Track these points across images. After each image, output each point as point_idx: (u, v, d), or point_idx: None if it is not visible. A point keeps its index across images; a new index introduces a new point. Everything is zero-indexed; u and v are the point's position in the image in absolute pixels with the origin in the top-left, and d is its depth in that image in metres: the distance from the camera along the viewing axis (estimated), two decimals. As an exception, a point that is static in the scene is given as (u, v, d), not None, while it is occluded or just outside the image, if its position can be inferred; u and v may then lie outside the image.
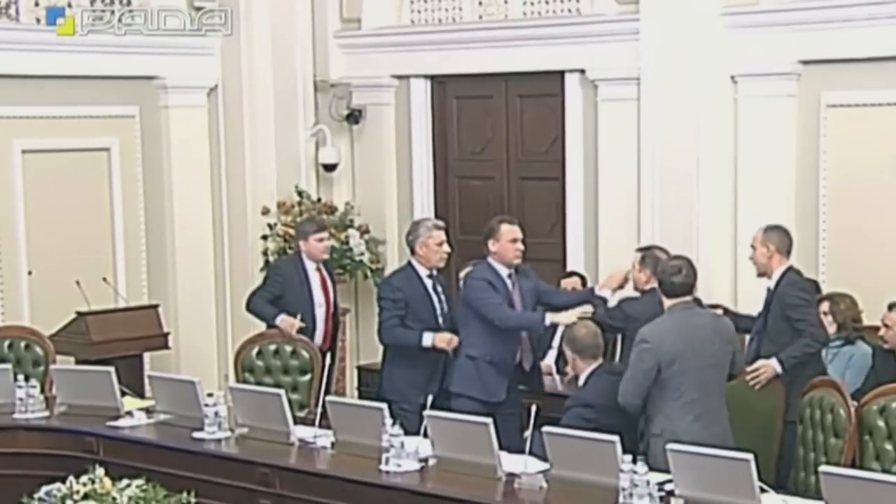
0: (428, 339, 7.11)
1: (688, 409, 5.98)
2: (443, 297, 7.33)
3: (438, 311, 7.27)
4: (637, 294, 7.18)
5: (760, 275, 7.03)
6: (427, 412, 5.99)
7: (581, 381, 6.38)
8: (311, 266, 8.17)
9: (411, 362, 7.18)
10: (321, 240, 8.20)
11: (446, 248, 7.36)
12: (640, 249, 7.40)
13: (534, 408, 5.91)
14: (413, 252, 7.33)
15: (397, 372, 7.25)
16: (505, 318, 6.96)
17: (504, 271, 7.13)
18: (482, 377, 7.00)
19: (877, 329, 7.14)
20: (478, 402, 6.88)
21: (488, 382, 6.99)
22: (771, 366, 6.60)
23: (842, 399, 6.06)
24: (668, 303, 6.22)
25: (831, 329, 7.14)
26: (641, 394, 6.03)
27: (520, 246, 7.18)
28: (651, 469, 5.32)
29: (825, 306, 7.25)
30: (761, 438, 6.37)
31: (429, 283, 7.29)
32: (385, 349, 7.43)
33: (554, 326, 7.14)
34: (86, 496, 5.58)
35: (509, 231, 7.16)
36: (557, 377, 7.81)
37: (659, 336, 6.05)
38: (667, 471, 5.36)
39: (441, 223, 7.51)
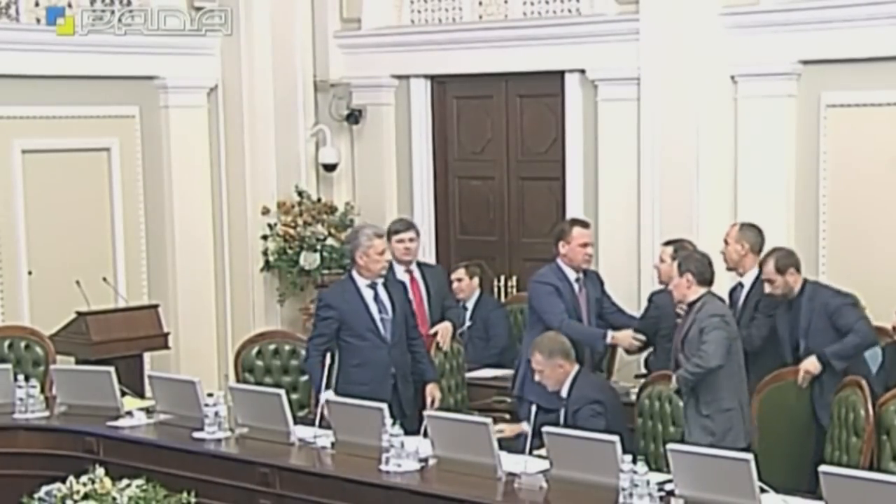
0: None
1: (744, 383, 6.32)
2: (388, 304, 7.01)
3: (380, 322, 6.98)
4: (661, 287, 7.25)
5: (730, 269, 7.21)
6: (427, 412, 5.99)
7: (565, 389, 6.36)
8: (399, 269, 7.75)
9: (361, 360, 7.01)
10: (401, 241, 7.80)
11: (388, 256, 7.09)
12: (668, 242, 7.37)
13: (533, 408, 5.92)
14: (353, 261, 7.07)
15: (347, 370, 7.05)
16: (567, 328, 6.83)
17: (573, 275, 7.08)
18: None
19: (880, 329, 7.14)
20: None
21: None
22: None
23: (863, 398, 6.08)
24: (700, 290, 6.37)
25: None
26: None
27: (590, 251, 7.17)
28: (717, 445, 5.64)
29: None
30: (799, 440, 6.46)
31: (368, 293, 6.99)
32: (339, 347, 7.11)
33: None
34: (86, 496, 5.58)
35: (581, 234, 7.11)
36: None
37: (729, 315, 6.34)
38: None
39: (383, 231, 7.20)
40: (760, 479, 5.07)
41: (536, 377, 6.40)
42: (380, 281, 7.04)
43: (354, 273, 7.06)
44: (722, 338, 6.27)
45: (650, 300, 7.50)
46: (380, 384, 6.89)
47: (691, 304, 6.53)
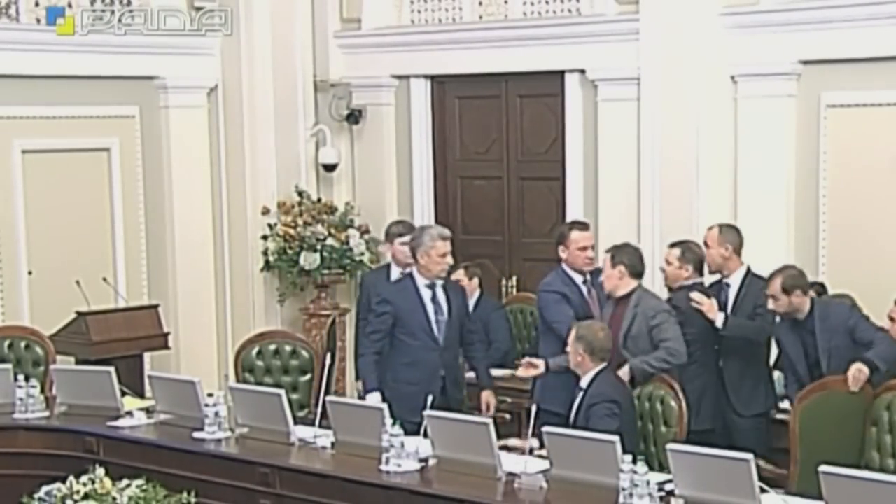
0: (371, 398, 6.80)
1: None
2: (444, 306, 6.99)
3: (434, 323, 6.96)
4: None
5: (714, 272, 7.16)
6: (427, 412, 5.99)
7: (586, 381, 6.26)
8: (395, 270, 7.61)
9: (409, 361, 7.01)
10: (405, 244, 7.47)
11: (449, 259, 7.02)
12: (675, 244, 7.20)
13: (534, 408, 5.91)
14: (415, 259, 7.04)
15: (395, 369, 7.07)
16: None
17: (579, 277, 7.00)
18: (565, 390, 6.54)
19: (879, 329, 7.14)
20: (562, 417, 6.33)
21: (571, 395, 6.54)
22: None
23: None
24: (632, 284, 6.61)
25: None
26: None
27: (590, 254, 7.03)
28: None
29: None
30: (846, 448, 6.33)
31: (427, 293, 6.96)
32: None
33: None
34: (86, 496, 5.58)
35: (579, 238, 7.00)
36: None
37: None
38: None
39: (447, 233, 7.08)
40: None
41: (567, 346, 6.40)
42: (439, 282, 7.00)
43: (414, 271, 7.02)
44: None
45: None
46: (428, 385, 6.75)
47: (623, 298, 6.59)
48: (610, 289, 6.65)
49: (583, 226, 7.22)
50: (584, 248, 7.03)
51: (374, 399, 6.71)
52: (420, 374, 6.88)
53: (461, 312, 7.11)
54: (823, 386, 6.45)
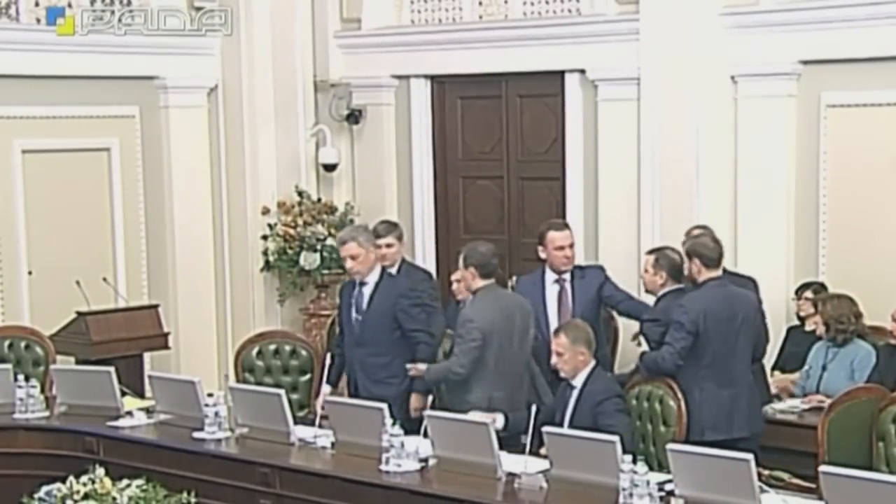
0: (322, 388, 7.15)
1: (515, 377, 6.75)
2: (364, 305, 7.01)
3: (354, 322, 7.05)
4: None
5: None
6: (427, 412, 5.99)
7: (580, 380, 6.27)
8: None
9: None
10: (377, 246, 7.30)
11: (349, 263, 6.97)
12: (652, 251, 7.20)
13: (534, 408, 5.92)
14: None
15: None
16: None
17: (552, 277, 7.17)
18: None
19: (879, 329, 7.14)
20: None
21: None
22: None
23: None
24: (481, 283, 6.70)
25: (821, 329, 7.18)
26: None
27: (567, 253, 7.15)
28: None
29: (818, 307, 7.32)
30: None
31: (355, 291, 7.06)
32: None
33: None
34: (86, 496, 5.59)
35: (555, 238, 7.15)
36: None
37: (483, 319, 6.73)
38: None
39: (347, 237, 7.07)
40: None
41: (553, 359, 6.34)
42: (371, 281, 7.04)
43: None
44: (469, 348, 6.50)
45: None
46: (354, 380, 7.11)
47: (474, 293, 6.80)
48: (466, 288, 6.88)
49: (560, 226, 7.36)
50: (561, 248, 7.19)
51: (324, 390, 7.01)
52: (350, 368, 7.15)
53: (385, 312, 6.99)
54: (852, 395, 6.42)
